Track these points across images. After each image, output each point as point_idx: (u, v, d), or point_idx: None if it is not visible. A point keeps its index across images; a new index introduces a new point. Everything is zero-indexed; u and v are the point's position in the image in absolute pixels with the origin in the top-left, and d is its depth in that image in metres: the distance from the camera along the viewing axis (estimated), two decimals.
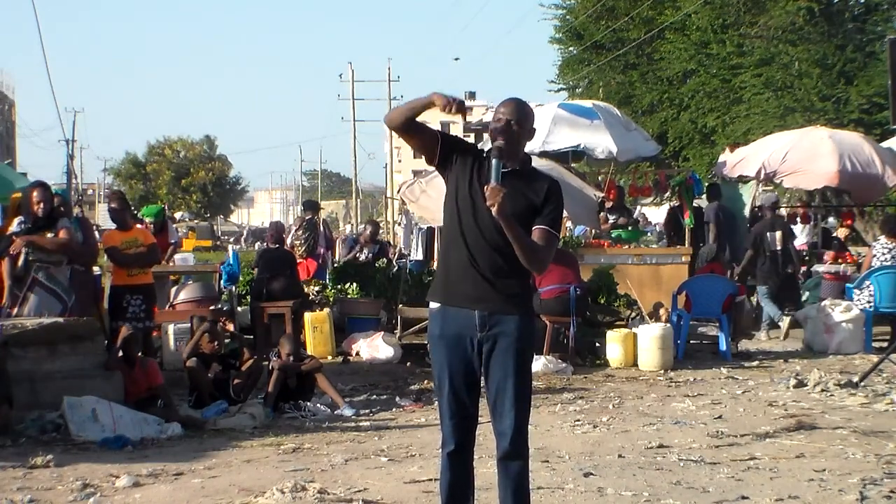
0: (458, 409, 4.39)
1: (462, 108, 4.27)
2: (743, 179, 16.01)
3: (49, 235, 8.75)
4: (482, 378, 4.42)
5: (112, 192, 14.03)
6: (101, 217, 50.01)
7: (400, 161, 73.45)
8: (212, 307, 10.81)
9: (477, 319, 4.33)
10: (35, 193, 8.81)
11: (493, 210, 4.19)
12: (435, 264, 14.79)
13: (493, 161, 4.27)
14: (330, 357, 11.44)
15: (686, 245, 14.44)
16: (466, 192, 4.35)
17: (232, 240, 52.53)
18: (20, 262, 8.62)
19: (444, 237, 4.59)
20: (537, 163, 5.45)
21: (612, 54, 31.75)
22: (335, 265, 14.90)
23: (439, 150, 4.42)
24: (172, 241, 13.48)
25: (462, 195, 4.36)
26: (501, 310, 4.32)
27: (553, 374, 10.40)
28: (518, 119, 4.39)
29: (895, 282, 12.16)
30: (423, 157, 4.54)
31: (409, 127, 4.40)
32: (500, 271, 4.32)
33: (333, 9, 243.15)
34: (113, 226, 10.53)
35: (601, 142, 15.16)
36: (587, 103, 17.39)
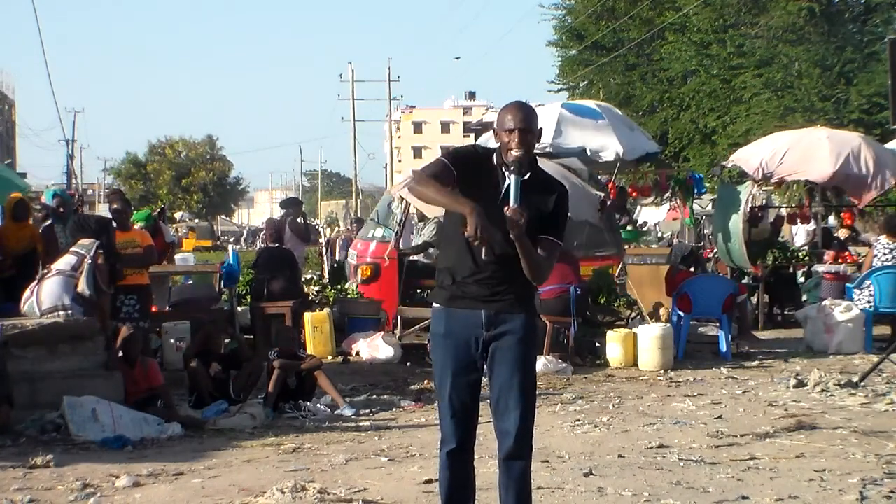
0: (460, 408, 4.38)
1: (484, 241, 4.09)
2: (742, 179, 16.02)
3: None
4: (484, 377, 4.42)
5: (113, 192, 13.98)
6: None
7: (400, 161, 73.28)
8: (212, 307, 10.81)
9: (483, 319, 4.32)
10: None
11: (513, 234, 4.12)
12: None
13: (513, 178, 4.16)
14: (330, 357, 11.42)
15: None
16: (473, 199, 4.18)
17: (232, 240, 52.44)
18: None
19: (446, 239, 4.52)
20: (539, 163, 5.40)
21: (612, 55, 31.79)
22: (335, 265, 14.87)
23: (456, 176, 4.25)
24: (169, 241, 13.47)
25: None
26: (507, 309, 4.33)
27: (553, 374, 10.40)
28: (532, 126, 4.27)
29: (895, 282, 12.16)
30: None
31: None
32: (505, 274, 4.31)
33: (333, 9, 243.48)
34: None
35: (608, 143, 15.10)
36: (590, 103, 17.36)
